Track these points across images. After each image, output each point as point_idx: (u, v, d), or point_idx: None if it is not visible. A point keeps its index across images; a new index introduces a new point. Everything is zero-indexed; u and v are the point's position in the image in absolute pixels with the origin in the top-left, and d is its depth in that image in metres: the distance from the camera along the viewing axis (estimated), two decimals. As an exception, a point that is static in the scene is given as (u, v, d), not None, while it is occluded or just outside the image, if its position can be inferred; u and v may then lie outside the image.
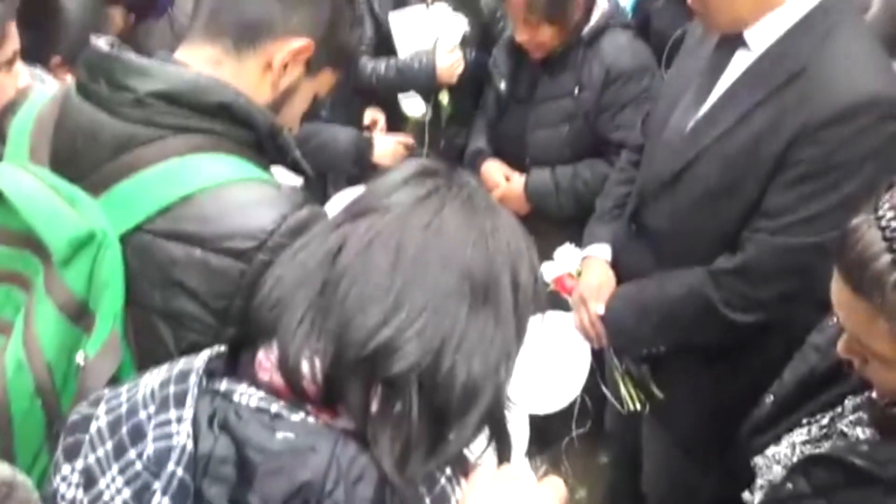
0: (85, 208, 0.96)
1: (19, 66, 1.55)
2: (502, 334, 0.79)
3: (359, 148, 2.51)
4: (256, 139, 1.05)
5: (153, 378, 0.82)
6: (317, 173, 2.52)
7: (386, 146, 2.53)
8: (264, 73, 1.06)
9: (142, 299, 0.98)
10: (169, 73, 1.00)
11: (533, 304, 0.84)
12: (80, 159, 1.01)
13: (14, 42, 1.54)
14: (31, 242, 0.97)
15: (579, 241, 1.94)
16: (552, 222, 2.26)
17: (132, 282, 0.97)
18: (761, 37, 1.46)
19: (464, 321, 0.77)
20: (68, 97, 1.04)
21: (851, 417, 1.14)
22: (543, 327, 0.89)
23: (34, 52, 1.72)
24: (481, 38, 2.54)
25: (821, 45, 1.40)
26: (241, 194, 0.98)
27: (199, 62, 1.04)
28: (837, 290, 1.01)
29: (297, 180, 1.22)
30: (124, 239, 0.97)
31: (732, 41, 1.51)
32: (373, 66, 2.52)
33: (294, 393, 0.77)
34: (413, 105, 2.52)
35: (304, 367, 0.76)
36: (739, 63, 1.50)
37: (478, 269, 0.78)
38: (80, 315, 0.97)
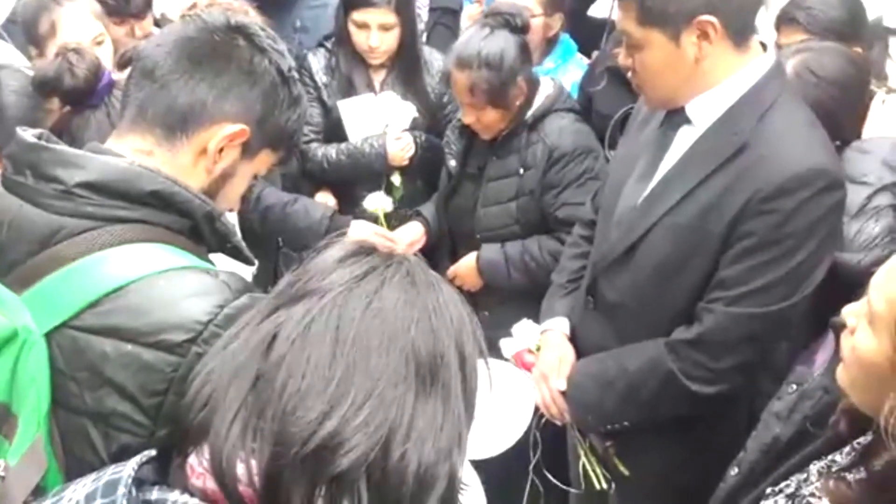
0: (7, 305, 0.90)
1: None
2: (452, 415, 0.75)
3: (333, 226, 2.44)
4: (193, 226, 1.02)
5: (78, 490, 0.75)
6: (268, 251, 2.50)
7: (362, 233, 2.45)
8: (198, 159, 1.03)
9: (68, 400, 0.92)
10: (99, 162, 0.97)
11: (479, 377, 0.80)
12: (3, 253, 0.97)
13: None
14: None
15: (536, 317, 1.93)
16: (507, 298, 2.27)
17: (58, 382, 0.91)
18: (704, 114, 1.51)
19: (411, 406, 0.72)
20: None
21: (817, 484, 1.12)
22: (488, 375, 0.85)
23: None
24: (430, 123, 2.58)
25: (760, 122, 1.45)
26: (174, 284, 0.94)
27: (131, 152, 1.02)
28: None
29: (242, 266, 1.18)
30: (50, 336, 0.92)
31: (677, 118, 1.55)
32: (323, 151, 2.54)
33: (229, 499, 0.71)
34: (376, 200, 2.50)
35: (240, 469, 0.70)
36: (684, 139, 1.55)
37: (423, 349, 0.75)
38: (1, 420, 0.90)
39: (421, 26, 2.98)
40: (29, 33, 2.17)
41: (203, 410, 0.73)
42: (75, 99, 1.40)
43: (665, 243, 1.53)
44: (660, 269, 1.55)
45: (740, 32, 1.45)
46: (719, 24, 1.41)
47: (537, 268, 2.18)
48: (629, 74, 1.57)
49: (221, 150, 1.04)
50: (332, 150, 2.53)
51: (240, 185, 1.10)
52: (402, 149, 2.49)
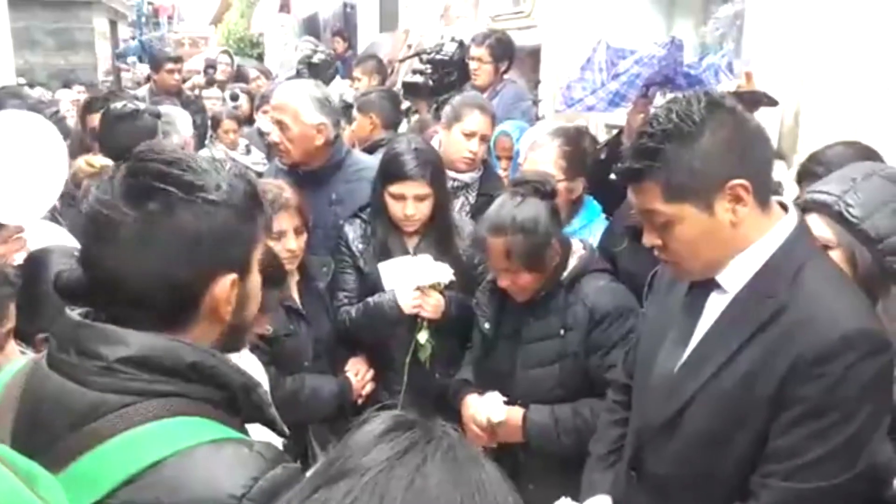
0: (42, 486, 0.88)
1: (11, 344, 1.56)
2: None
3: (341, 389, 2.57)
4: (229, 398, 1.02)
5: None
6: (298, 426, 2.51)
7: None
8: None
9: None
10: (139, 337, 0.99)
11: None
12: (43, 430, 0.96)
13: (10, 321, 1.57)
14: None
15: (575, 491, 1.84)
16: (555, 468, 2.18)
17: None
18: (734, 278, 1.48)
19: None
20: (36, 368, 1.02)
21: None
22: None
23: (20, 330, 1.73)
24: (464, 284, 2.62)
25: (794, 283, 1.42)
26: (208, 457, 0.93)
27: None
28: None
29: (274, 436, 1.17)
30: None
31: (706, 283, 1.53)
32: (347, 310, 2.63)
33: None
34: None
35: None
36: (716, 304, 1.52)
37: None
38: None
39: (467, 208, 3.10)
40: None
41: None
42: None
43: (708, 412, 1.47)
44: (707, 438, 1.48)
45: (765, 193, 1.46)
46: (750, 185, 1.42)
47: (588, 431, 2.06)
48: (656, 252, 1.53)
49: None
50: (353, 309, 2.62)
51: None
52: (414, 296, 2.51)
